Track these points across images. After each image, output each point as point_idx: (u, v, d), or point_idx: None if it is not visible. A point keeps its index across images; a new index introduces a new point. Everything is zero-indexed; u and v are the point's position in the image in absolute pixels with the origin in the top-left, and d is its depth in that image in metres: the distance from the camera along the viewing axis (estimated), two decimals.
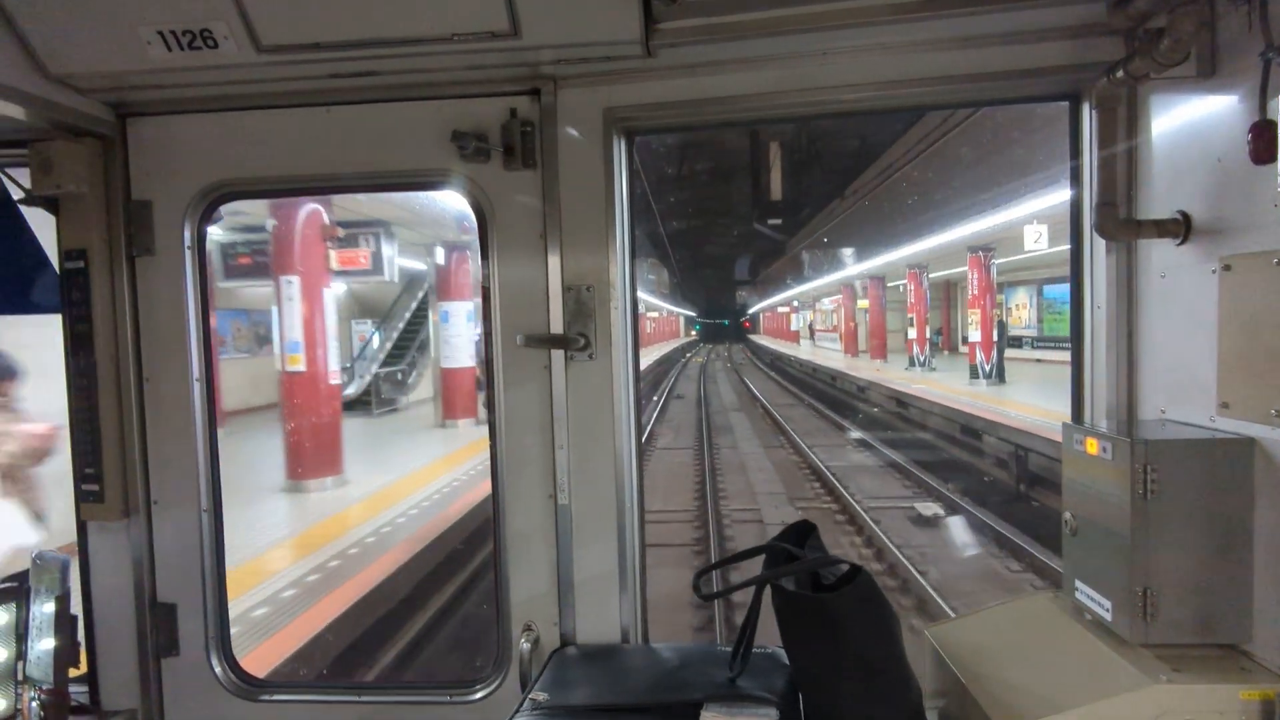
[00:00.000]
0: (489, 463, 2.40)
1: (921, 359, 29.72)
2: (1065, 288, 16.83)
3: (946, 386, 22.87)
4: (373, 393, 21.20)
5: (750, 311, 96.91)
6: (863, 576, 1.67)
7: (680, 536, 11.67)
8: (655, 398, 29.81)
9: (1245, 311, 1.64)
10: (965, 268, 25.86)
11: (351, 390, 20.34)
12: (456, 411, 17.87)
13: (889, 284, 36.95)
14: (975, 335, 23.90)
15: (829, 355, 45.56)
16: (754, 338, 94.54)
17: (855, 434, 20.49)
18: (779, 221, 31.97)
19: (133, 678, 2.47)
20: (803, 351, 55.25)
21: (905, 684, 1.71)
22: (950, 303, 38.78)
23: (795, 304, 67.94)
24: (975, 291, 24.21)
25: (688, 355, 67.78)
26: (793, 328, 72.98)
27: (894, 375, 28.13)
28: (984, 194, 18.47)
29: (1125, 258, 2.07)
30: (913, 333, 30.12)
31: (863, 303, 39.83)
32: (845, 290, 42.10)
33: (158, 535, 2.47)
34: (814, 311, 61.50)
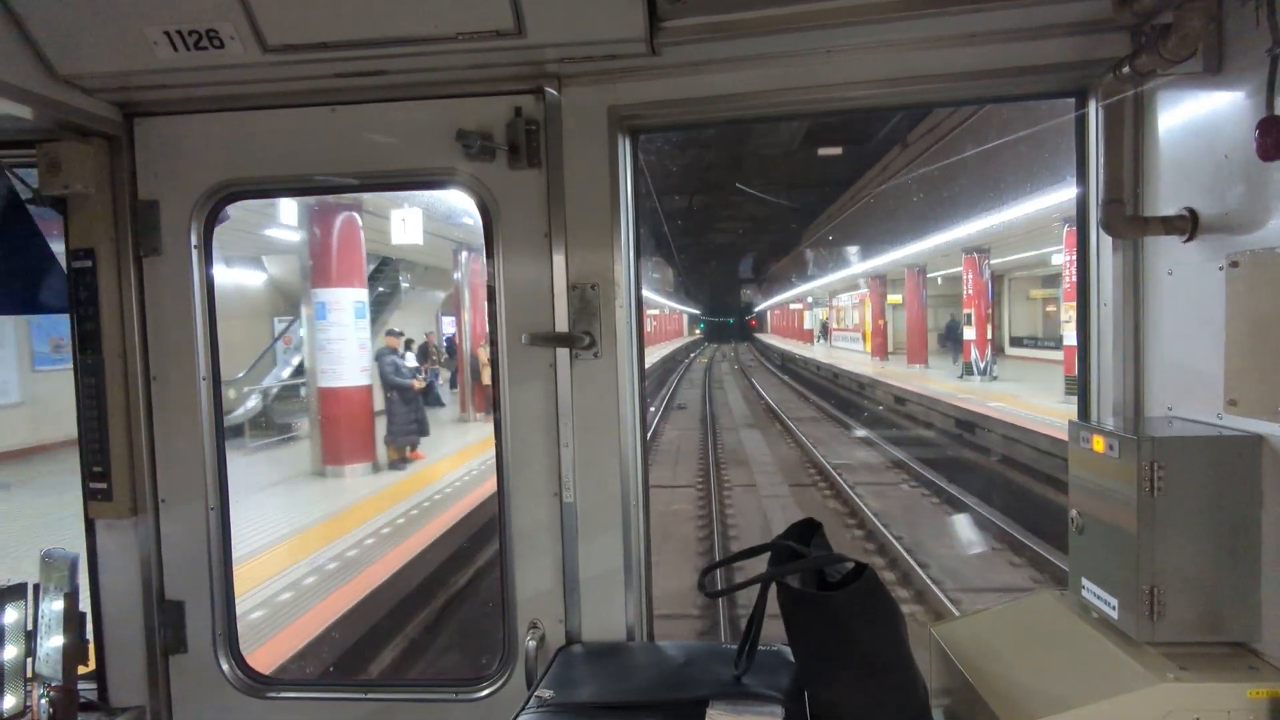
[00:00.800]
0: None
1: (982, 365, 24.05)
2: None
3: (1033, 405, 16.87)
4: (248, 417, 15.76)
5: (756, 309, 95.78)
6: (868, 574, 1.67)
7: None
8: (652, 408, 24.57)
9: (1252, 308, 1.63)
10: (1019, 255, 23.02)
11: (247, 408, 15.98)
12: (341, 453, 12.19)
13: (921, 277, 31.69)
14: (1071, 338, 18.38)
15: (851, 358, 38.67)
16: (761, 337, 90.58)
17: (914, 469, 14.61)
18: (835, 167, 26.90)
19: (141, 675, 2.48)
20: (817, 352, 48.41)
21: (911, 682, 1.71)
22: (996, 297, 31.26)
23: (810, 300, 60.01)
24: (1075, 279, 20.04)
25: (691, 355, 62.04)
26: (806, 326, 64.26)
27: (947, 385, 22.40)
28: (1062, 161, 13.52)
29: (1132, 255, 2.06)
30: (970, 332, 24.74)
31: (893, 298, 35.42)
32: (874, 283, 36.07)
33: (165, 533, 2.48)
34: (830, 308, 54.32)
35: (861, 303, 41.58)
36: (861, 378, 28.81)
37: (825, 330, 55.92)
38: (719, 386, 36.11)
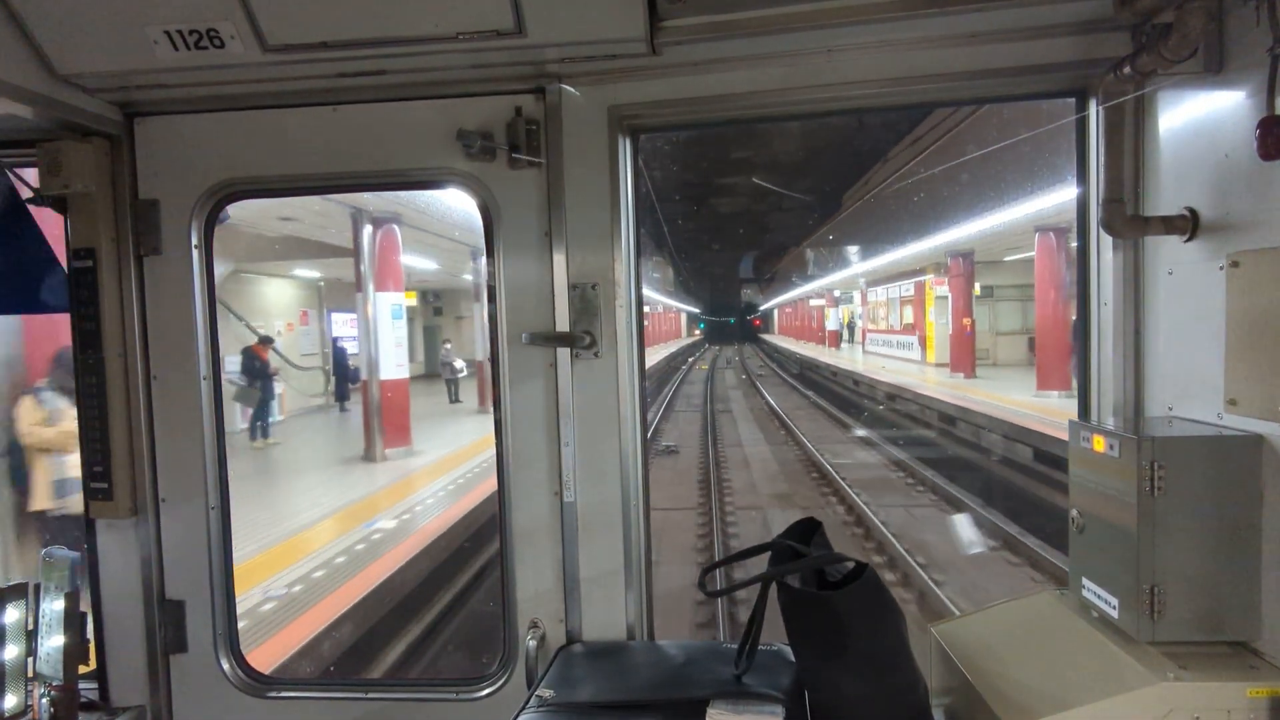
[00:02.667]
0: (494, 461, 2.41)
1: None
2: None
3: None
4: None
5: (762, 308, 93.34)
6: (868, 574, 1.67)
7: None
8: None
9: (1253, 308, 1.63)
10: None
11: None
12: None
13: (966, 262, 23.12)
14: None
15: (906, 370, 27.39)
16: (767, 338, 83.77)
17: None
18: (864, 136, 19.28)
19: (141, 674, 2.49)
20: (846, 359, 36.84)
21: (911, 681, 1.71)
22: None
23: (835, 294, 47.94)
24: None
25: (690, 361, 53.27)
26: (829, 326, 50.26)
27: None
28: None
29: (1132, 254, 2.06)
30: None
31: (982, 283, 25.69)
32: (958, 264, 24.73)
33: (166, 532, 2.48)
34: (862, 304, 42.20)
35: (920, 294, 30.18)
36: (932, 404, 17.83)
37: (851, 331, 45.36)
38: (724, 409, 25.52)
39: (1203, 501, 1.66)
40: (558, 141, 2.27)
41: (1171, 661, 1.63)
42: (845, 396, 27.11)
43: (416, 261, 20.69)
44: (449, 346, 24.94)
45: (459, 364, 23.47)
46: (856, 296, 43.34)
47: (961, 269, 24.52)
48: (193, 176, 2.40)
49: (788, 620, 1.76)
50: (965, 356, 24.32)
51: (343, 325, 24.39)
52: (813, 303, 56.22)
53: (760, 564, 1.87)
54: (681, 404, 26.50)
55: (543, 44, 2.07)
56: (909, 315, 33.18)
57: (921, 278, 29.36)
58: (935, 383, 22.69)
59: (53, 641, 2.22)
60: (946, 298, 25.88)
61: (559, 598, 2.36)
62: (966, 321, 24.40)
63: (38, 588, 2.26)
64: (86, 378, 2.41)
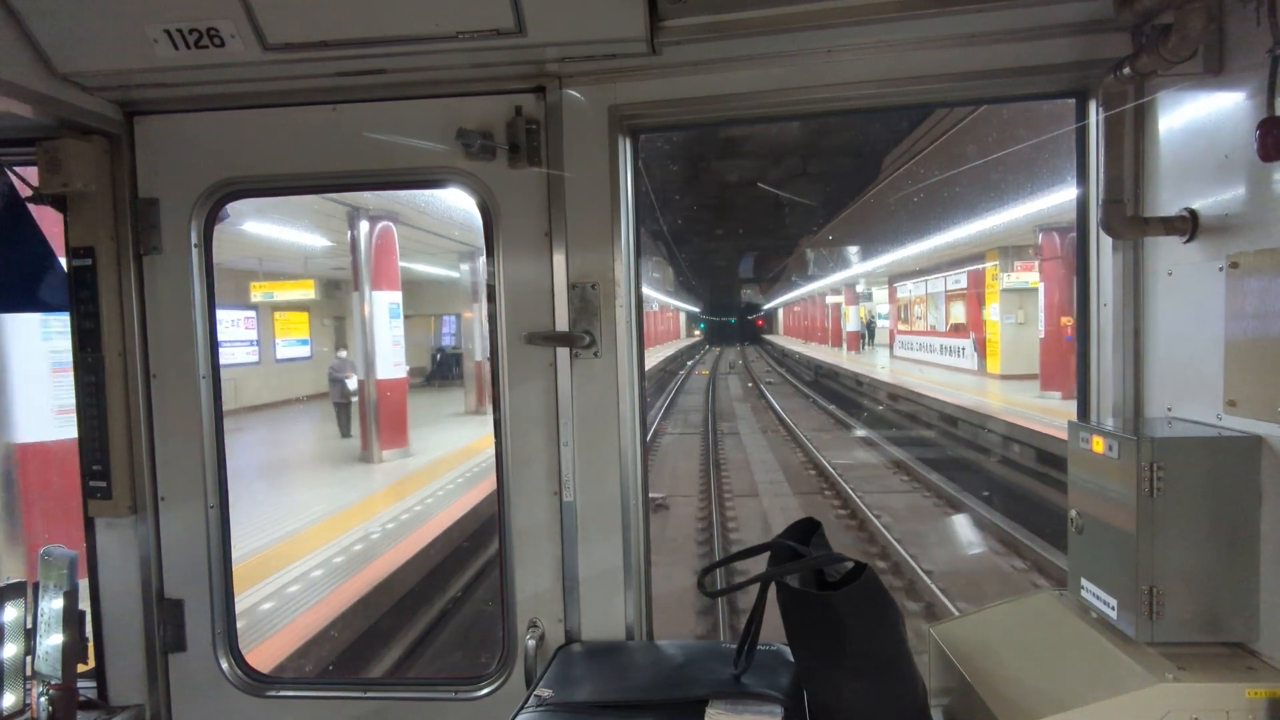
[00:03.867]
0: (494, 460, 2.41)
1: None
2: None
3: None
4: None
5: (765, 307, 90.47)
6: (867, 574, 1.67)
7: None
8: None
9: (1252, 309, 1.63)
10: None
11: None
12: None
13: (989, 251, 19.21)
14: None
15: (960, 384, 20.94)
16: (771, 339, 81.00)
17: None
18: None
19: (140, 673, 2.49)
20: (867, 365, 30.62)
21: (910, 681, 1.71)
22: None
23: (859, 289, 40.40)
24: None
25: (689, 364, 48.23)
26: (849, 327, 41.74)
27: None
28: None
29: (1132, 255, 2.07)
30: None
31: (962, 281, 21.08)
32: (1050, 240, 18.07)
33: (165, 531, 2.49)
34: (890, 300, 35.48)
35: (976, 285, 23.70)
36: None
37: (872, 331, 39.71)
38: (730, 430, 19.93)
39: (1202, 502, 1.66)
40: (558, 141, 2.27)
41: (1170, 662, 1.63)
42: (872, 409, 21.00)
43: (310, 239, 16.62)
44: (344, 356, 17.80)
45: (353, 383, 16.44)
46: (882, 291, 36.76)
47: (1058, 248, 17.52)
48: (192, 175, 2.40)
49: (787, 620, 1.76)
50: (1063, 369, 16.84)
51: (230, 327, 18.80)
52: (829, 299, 47.64)
53: (760, 564, 1.87)
54: (678, 423, 21.03)
55: (543, 43, 2.07)
56: (957, 313, 26.34)
57: (979, 265, 22.73)
58: (1015, 404, 16.26)
59: (51, 640, 2.21)
60: (1021, 290, 20.55)
61: (558, 597, 2.36)
62: (1066, 322, 17.17)
63: (36, 586, 2.26)
64: (85, 376, 2.41)
